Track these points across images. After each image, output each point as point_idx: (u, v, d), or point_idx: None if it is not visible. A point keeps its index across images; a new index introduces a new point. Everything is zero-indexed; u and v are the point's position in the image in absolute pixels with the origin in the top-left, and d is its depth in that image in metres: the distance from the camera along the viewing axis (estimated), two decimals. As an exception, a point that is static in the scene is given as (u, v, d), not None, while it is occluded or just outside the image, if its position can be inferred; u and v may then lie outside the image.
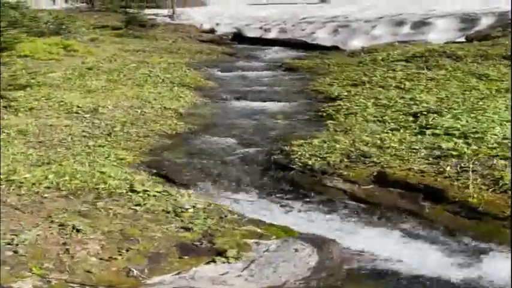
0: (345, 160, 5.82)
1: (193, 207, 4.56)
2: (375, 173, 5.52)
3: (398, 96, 8.23)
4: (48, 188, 4.86)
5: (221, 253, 3.80)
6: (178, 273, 3.58)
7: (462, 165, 5.38)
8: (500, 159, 5.40)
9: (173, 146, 6.84)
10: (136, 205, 4.54)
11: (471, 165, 5.31)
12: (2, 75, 9.34)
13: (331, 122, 7.48)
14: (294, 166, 5.90)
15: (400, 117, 7.24)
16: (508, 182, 4.94)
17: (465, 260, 4.26)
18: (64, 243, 3.81)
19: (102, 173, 5.35)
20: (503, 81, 8.72)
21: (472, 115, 6.89)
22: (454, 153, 5.64)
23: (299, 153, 6.13)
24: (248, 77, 11.64)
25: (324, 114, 8.02)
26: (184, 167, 6.09)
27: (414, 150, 5.85)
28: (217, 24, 17.51)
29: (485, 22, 12.75)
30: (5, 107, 7.94)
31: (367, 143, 6.22)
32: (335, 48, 13.79)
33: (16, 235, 3.88)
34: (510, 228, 4.56)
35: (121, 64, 11.70)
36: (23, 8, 16.11)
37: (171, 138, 7.14)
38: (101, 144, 6.59)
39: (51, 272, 3.48)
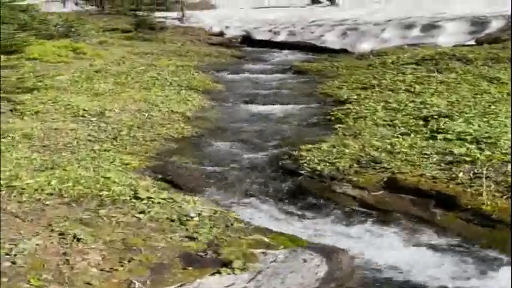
0: (355, 165, 5.64)
1: (199, 214, 4.39)
2: (385, 179, 5.33)
3: (409, 100, 8.02)
4: (51, 194, 4.70)
5: (227, 264, 3.62)
6: (182, 285, 3.41)
7: (475, 171, 5.19)
8: (515, 165, 5.22)
9: (179, 151, 6.66)
10: (140, 213, 4.37)
11: (484, 172, 5.11)
12: (10, 78, 9.20)
13: (340, 126, 7.29)
14: (302, 171, 5.72)
15: (411, 121, 7.04)
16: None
17: (478, 269, 4.06)
18: (64, 253, 3.65)
19: (106, 178, 5.18)
20: (514, 84, 8.52)
21: (484, 119, 6.69)
22: (467, 158, 5.45)
23: (307, 158, 5.95)
24: (257, 80, 11.45)
25: (333, 117, 7.83)
26: (190, 172, 5.92)
27: (426, 156, 5.66)
28: (226, 27, 17.33)
29: (495, 25, 12.53)
30: (11, 110, 7.79)
31: (377, 148, 6.03)
32: (344, 51, 13.58)
33: (15, 245, 3.72)
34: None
35: (129, 67, 11.54)
36: (33, 11, 15.94)
37: (177, 142, 6.96)
38: (106, 148, 6.42)
39: (50, 283, 3.32)
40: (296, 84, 10.78)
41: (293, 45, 14.97)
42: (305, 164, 5.82)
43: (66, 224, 4.06)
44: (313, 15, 16.87)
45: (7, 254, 3.59)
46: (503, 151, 5.56)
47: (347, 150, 6.01)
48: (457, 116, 6.95)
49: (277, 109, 8.86)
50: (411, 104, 7.80)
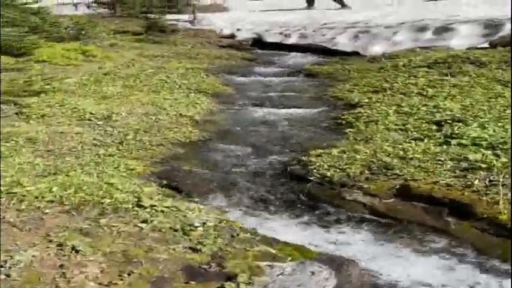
0: (366, 172, 5.42)
1: (203, 224, 4.18)
2: (397, 186, 5.12)
3: (421, 104, 7.79)
4: (51, 202, 4.50)
5: (231, 278, 3.41)
6: (183, 301, 3.21)
7: (491, 178, 4.97)
8: (533, 172, 4.99)
9: (186, 155, 6.47)
10: (142, 222, 4.16)
11: (501, 179, 4.88)
12: (17, 81, 9.07)
13: (351, 130, 7.08)
14: (311, 178, 5.52)
15: (423, 125, 6.81)
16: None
17: (493, 281, 3.84)
18: (61, 266, 3.45)
19: (109, 184, 4.99)
20: (530, 88, 8.27)
21: (499, 124, 6.46)
22: (483, 165, 5.21)
23: (317, 163, 5.74)
24: (267, 82, 11.24)
25: (344, 121, 7.62)
26: (196, 177, 5.71)
27: (439, 162, 5.43)
28: (238, 29, 17.11)
29: (509, 28, 12.23)
30: (17, 113, 7.63)
31: (389, 154, 5.81)
32: (355, 53, 13.35)
33: (10, 256, 3.52)
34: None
35: (138, 69, 11.36)
36: (44, 14, 15.82)
37: (184, 147, 6.76)
38: (111, 153, 6.23)
39: (44, 298, 3.13)
40: (306, 87, 10.56)
41: (304, 48, 14.75)
42: (314, 170, 5.62)
43: (65, 234, 3.87)
44: (325, 17, 16.63)
45: (1, 267, 3.40)
46: (520, 157, 5.34)
47: (358, 156, 5.80)
48: (472, 120, 6.72)
49: (286, 112, 8.65)
50: (424, 108, 7.57)
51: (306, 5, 20.14)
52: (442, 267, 4.03)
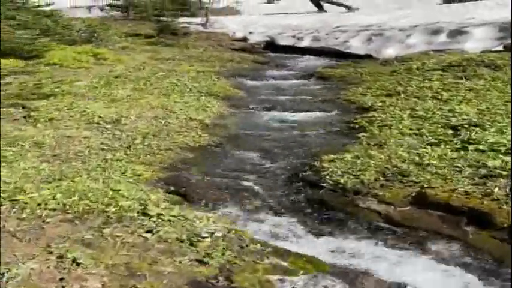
0: (381, 178, 5.18)
1: (211, 234, 3.95)
2: (413, 194, 4.88)
3: (436, 108, 7.53)
4: (54, 210, 4.29)
5: (239, 293, 3.20)
6: (188, 319, 2.99)
7: (512, 186, 4.73)
8: (555, 180, 4.73)
9: (195, 160, 6.25)
10: (147, 232, 3.94)
11: (522, 187, 4.65)
12: (27, 84, 8.89)
13: (364, 134, 6.83)
14: (323, 184, 5.28)
15: (439, 130, 6.55)
16: None
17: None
18: (61, 279, 3.24)
19: (115, 191, 4.78)
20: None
21: (517, 129, 6.20)
22: (503, 172, 4.96)
23: (330, 169, 5.51)
24: (279, 86, 11.00)
25: (357, 125, 7.38)
26: (204, 184, 5.49)
27: (457, 169, 5.18)
28: (250, 32, 16.88)
29: (524, 30, 11.95)
30: (25, 117, 7.44)
31: (405, 160, 5.56)
32: (368, 56, 13.09)
33: (8, 269, 3.31)
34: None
35: (149, 72, 11.15)
36: (57, 17, 15.69)
37: (193, 152, 6.54)
38: (118, 158, 6.02)
39: (41, 314, 2.92)
40: (319, 91, 10.32)
41: (317, 51, 14.51)
42: (327, 176, 5.38)
43: (66, 245, 3.65)
44: (338, 20, 16.39)
45: (-2, 280, 3.20)
46: (542, 164, 5.08)
47: (372, 162, 5.56)
48: (489, 125, 6.45)
49: (298, 116, 8.42)
50: (439, 112, 7.31)
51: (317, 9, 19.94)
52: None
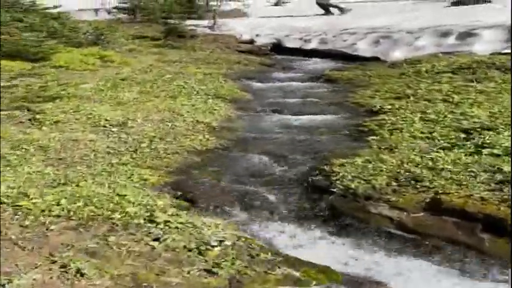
0: (393, 183, 5.01)
1: (220, 242, 3.79)
2: (427, 200, 4.70)
3: (447, 111, 7.34)
4: (58, 216, 4.14)
5: (249, 305, 3.04)
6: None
7: (530, 192, 4.55)
8: None
9: (202, 164, 6.08)
10: (154, 240, 3.78)
11: (541, 193, 4.47)
12: (33, 86, 8.76)
13: (374, 138, 6.65)
14: (334, 189, 5.11)
15: (451, 134, 6.37)
16: None
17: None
18: (63, 291, 3.09)
19: (121, 196, 4.63)
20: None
21: (532, 133, 6.02)
22: (519, 178, 4.79)
23: (340, 174, 5.33)
24: (286, 88, 10.82)
25: (366, 129, 7.20)
26: (212, 188, 5.33)
27: (472, 174, 5.00)
28: (257, 35, 16.70)
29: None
30: (30, 119, 7.29)
31: (418, 164, 5.39)
32: (376, 59, 12.90)
33: (9, 280, 3.16)
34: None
35: (156, 75, 10.99)
36: (64, 19, 15.57)
37: (200, 155, 6.38)
38: (125, 162, 5.87)
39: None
40: (326, 94, 10.14)
41: (324, 53, 14.32)
42: (337, 181, 5.21)
43: (69, 254, 3.50)
44: (345, 23, 16.21)
45: (-1, 291, 3.05)
46: (559, 169, 4.90)
47: (384, 166, 5.38)
48: (502, 128, 6.27)
49: (306, 119, 8.24)
50: (450, 115, 7.13)
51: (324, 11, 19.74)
52: None
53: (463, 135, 6.24)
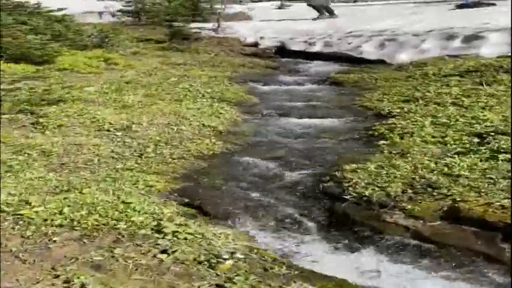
0: (408, 191, 4.77)
1: (231, 254, 3.55)
2: (445, 208, 4.47)
3: (459, 115, 7.09)
4: (61, 226, 3.91)
5: (264, 324, 2.80)
6: None
7: (552, 200, 4.32)
8: None
9: (209, 170, 5.85)
10: (162, 252, 3.54)
11: None
12: (36, 89, 8.53)
13: (385, 142, 6.42)
14: (347, 197, 4.88)
15: (464, 138, 6.12)
16: None
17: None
18: (67, 308, 2.86)
19: (126, 204, 4.40)
20: None
21: (548, 137, 5.78)
22: (541, 185, 4.56)
23: (353, 180, 5.10)
24: (292, 91, 10.58)
25: (376, 133, 6.95)
26: (220, 195, 5.11)
27: (491, 180, 4.76)
28: (261, 37, 16.45)
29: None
30: (33, 123, 7.05)
31: (433, 170, 5.15)
32: (381, 62, 12.65)
33: (9, 295, 2.94)
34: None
35: (161, 78, 10.75)
36: (68, 21, 15.33)
37: (207, 160, 6.15)
38: (129, 167, 5.64)
39: None
40: (333, 97, 9.90)
41: (329, 56, 14.07)
42: (350, 188, 4.98)
43: (73, 268, 3.26)
44: (350, 26, 15.96)
45: (-4, 310, 2.81)
46: None
47: (398, 172, 5.15)
48: (517, 133, 6.04)
49: (314, 123, 8.00)
50: (462, 119, 6.88)
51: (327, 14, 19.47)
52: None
53: (476, 140, 5.99)
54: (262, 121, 8.18)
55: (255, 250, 3.71)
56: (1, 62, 9.90)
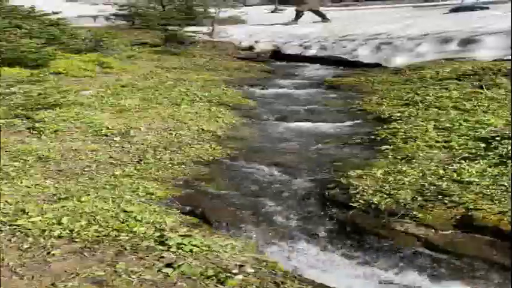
0: (418, 198, 4.55)
1: (240, 267, 3.32)
2: (457, 216, 4.25)
3: (462, 119, 6.87)
4: (60, 237, 3.67)
5: None
6: None
7: None
8: None
9: (210, 176, 5.61)
10: (167, 266, 3.30)
11: None
12: (31, 93, 8.26)
13: (388, 147, 6.19)
14: (354, 204, 4.65)
15: (469, 143, 5.91)
16: None
17: None
18: (67, 329, 2.62)
19: (127, 213, 4.17)
20: None
21: (556, 142, 5.57)
22: (556, 193, 4.35)
23: (360, 187, 4.88)
24: (289, 95, 10.35)
25: (378, 137, 6.73)
26: (223, 203, 4.87)
27: (503, 187, 4.55)
28: (256, 41, 16.24)
29: (537, 39, 11.31)
30: (29, 128, 6.80)
31: (441, 176, 4.93)
32: (377, 65, 12.43)
33: (4, 315, 2.70)
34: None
35: (157, 82, 10.51)
36: (63, 25, 15.08)
37: (208, 166, 5.91)
38: (128, 173, 5.40)
39: None
40: (331, 100, 9.66)
41: (324, 60, 13.85)
42: (357, 195, 4.76)
43: (74, 284, 3.02)
44: (344, 30, 15.75)
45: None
46: None
47: (406, 179, 4.93)
48: (524, 137, 5.83)
49: (313, 127, 7.78)
50: (465, 124, 6.67)
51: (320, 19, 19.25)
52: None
53: (482, 145, 5.78)
54: (261, 125, 7.94)
55: (264, 263, 3.47)
56: (-4, 66, 9.64)
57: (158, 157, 6.00)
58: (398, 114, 7.67)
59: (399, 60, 12.25)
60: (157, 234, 3.78)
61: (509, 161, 5.12)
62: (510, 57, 10.75)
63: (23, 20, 13.44)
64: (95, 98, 8.64)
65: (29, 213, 4.07)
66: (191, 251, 3.52)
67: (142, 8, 22.42)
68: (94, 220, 3.98)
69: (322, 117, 8.28)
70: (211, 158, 6.20)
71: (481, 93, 8.31)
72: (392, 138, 6.54)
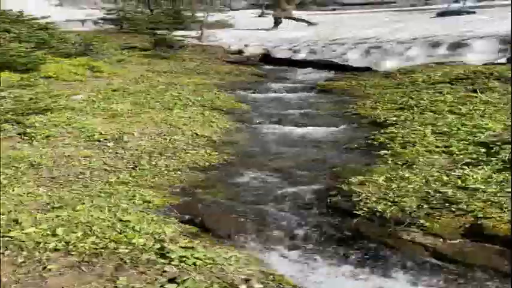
0: (424, 206, 4.35)
1: (247, 281, 3.10)
2: (466, 225, 4.06)
3: (459, 123, 6.70)
4: (55, 250, 3.43)
5: None
6: None
7: None
8: None
9: (208, 183, 5.38)
10: (170, 281, 3.07)
11: None
12: (22, 98, 7.99)
13: (387, 152, 6.00)
14: (357, 212, 4.45)
15: (469, 148, 5.73)
16: None
17: None
18: None
19: (124, 223, 3.94)
20: None
21: (558, 147, 5.39)
22: None
23: (363, 194, 4.67)
24: (281, 99, 10.14)
25: (375, 142, 6.54)
26: (222, 211, 4.64)
27: (509, 194, 4.36)
28: (245, 45, 16.02)
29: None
30: (20, 134, 6.54)
31: (446, 183, 4.74)
32: (367, 69, 12.25)
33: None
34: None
35: (148, 86, 10.27)
36: (52, 29, 14.80)
37: (204, 172, 5.69)
38: (124, 180, 5.18)
39: None
40: (324, 104, 9.45)
41: (314, 64, 13.64)
42: (361, 203, 4.55)
43: (71, 302, 2.80)
44: (334, 34, 15.58)
45: None
46: None
47: (410, 186, 4.73)
48: (524, 142, 5.65)
49: (308, 131, 7.58)
50: (463, 128, 6.49)
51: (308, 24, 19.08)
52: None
53: (483, 150, 5.60)
54: (255, 129, 7.74)
55: (271, 276, 3.26)
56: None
57: (153, 163, 5.77)
58: (394, 119, 7.49)
59: (389, 64, 12.08)
60: (158, 246, 3.55)
61: (513, 167, 4.95)
62: (505, 61, 10.64)
63: (11, 24, 13.16)
64: (86, 103, 8.39)
65: (22, 224, 3.84)
66: (194, 264, 3.29)
67: (130, 12, 22.18)
68: (90, 231, 3.75)
69: (317, 122, 8.08)
70: (207, 163, 5.99)
71: (476, 97, 8.15)
72: (390, 143, 6.35)
